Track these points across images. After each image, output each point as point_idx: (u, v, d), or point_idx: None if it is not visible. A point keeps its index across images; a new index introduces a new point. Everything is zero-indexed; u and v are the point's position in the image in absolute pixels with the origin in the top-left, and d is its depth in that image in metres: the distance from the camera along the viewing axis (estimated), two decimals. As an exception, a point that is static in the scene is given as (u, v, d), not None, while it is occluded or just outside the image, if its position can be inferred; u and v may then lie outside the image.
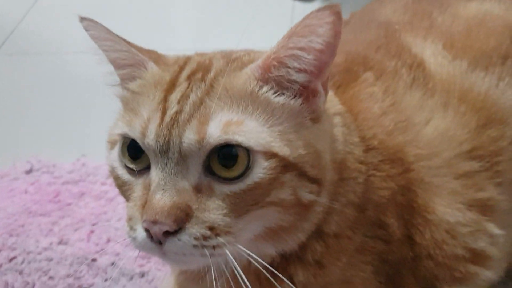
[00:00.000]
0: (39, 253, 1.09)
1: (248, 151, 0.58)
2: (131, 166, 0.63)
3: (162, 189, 0.58)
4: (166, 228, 0.57)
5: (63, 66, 1.67)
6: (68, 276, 1.04)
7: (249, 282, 0.61)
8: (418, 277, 0.75)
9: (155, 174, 0.59)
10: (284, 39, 0.61)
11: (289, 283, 0.66)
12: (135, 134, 0.61)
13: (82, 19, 0.66)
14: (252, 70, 0.62)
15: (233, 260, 0.60)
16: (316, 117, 0.65)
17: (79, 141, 1.41)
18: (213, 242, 0.58)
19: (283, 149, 0.59)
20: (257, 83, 0.62)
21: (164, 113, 0.60)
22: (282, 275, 0.66)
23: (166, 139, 0.58)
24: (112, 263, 1.06)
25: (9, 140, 1.45)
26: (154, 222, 0.57)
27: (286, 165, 0.60)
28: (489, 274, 0.78)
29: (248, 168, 0.58)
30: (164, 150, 0.59)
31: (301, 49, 0.60)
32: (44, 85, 1.62)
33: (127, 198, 0.64)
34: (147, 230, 0.58)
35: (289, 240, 0.67)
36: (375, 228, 0.72)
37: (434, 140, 0.76)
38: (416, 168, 0.75)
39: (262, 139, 0.59)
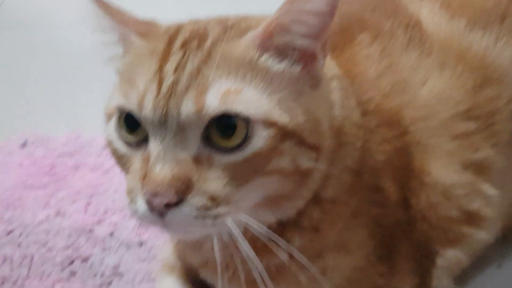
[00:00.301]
0: (37, 226, 1.09)
1: (247, 120, 0.58)
2: (129, 138, 0.62)
3: (161, 161, 0.57)
4: (167, 200, 0.56)
5: (54, 38, 1.65)
6: (67, 247, 1.05)
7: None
8: (413, 239, 0.76)
9: (154, 146, 0.58)
10: (286, 4, 0.59)
11: (285, 247, 0.66)
12: (132, 106, 0.60)
13: None
14: (251, 38, 0.61)
15: (235, 228, 0.60)
16: (315, 83, 0.64)
17: (72, 114, 1.40)
18: (214, 212, 0.58)
19: (282, 117, 0.59)
20: (257, 50, 0.60)
21: (160, 83, 0.58)
22: (279, 241, 0.66)
23: (164, 110, 0.57)
24: (110, 234, 1.06)
25: (1, 114, 1.44)
26: (155, 194, 0.56)
27: (285, 134, 0.59)
28: (483, 235, 0.79)
29: (247, 138, 0.58)
30: (162, 122, 0.58)
31: (306, 12, 0.59)
32: (36, 58, 1.60)
33: (126, 170, 0.63)
34: (148, 203, 0.58)
35: (289, 207, 0.67)
36: (371, 193, 0.72)
37: (430, 101, 0.76)
38: (413, 130, 0.74)
39: (261, 108, 0.58)
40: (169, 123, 0.57)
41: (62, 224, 1.09)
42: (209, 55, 0.60)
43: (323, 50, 0.63)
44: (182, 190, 0.57)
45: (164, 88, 0.58)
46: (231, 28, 0.63)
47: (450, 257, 0.79)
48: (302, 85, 0.62)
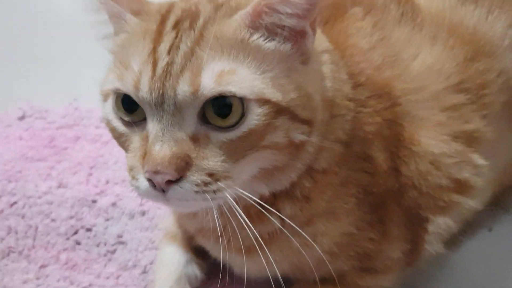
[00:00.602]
0: (39, 197, 1.11)
1: (242, 99, 0.59)
2: (127, 119, 0.63)
3: (160, 141, 0.59)
4: (168, 177, 0.59)
5: (49, 7, 1.63)
6: (70, 217, 1.07)
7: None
8: (403, 206, 0.79)
9: (152, 126, 0.60)
10: None
11: (278, 213, 0.69)
12: (128, 89, 0.61)
13: None
14: (242, 17, 0.62)
15: (232, 201, 0.62)
16: (305, 59, 0.65)
17: (69, 85, 1.39)
18: (213, 187, 0.60)
19: (275, 95, 0.60)
20: (247, 30, 0.61)
21: (155, 64, 0.60)
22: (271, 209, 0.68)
23: (161, 91, 0.59)
24: (113, 204, 1.09)
25: (-3, 87, 1.43)
26: (156, 172, 0.58)
27: (278, 110, 0.61)
28: (472, 203, 0.82)
29: (242, 116, 0.60)
30: (159, 103, 0.59)
31: None
32: (31, 29, 1.58)
33: (125, 149, 0.65)
34: (149, 180, 0.60)
35: (282, 179, 0.69)
36: (361, 162, 0.74)
37: (421, 74, 0.78)
38: (403, 102, 0.76)
39: (254, 87, 0.59)
40: (166, 104, 0.59)
41: (64, 195, 1.11)
42: (201, 36, 0.61)
43: (312, 27, 0.64)
44: (182, 167, 0.59)
45: (159, 70, 0.59)
46: (222, 7, 0.64)
47: (440, 224, 0.82)
48: (293, 62, 0.64)
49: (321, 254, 0.73)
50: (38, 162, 1.19)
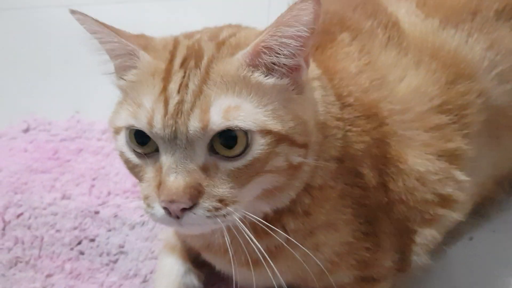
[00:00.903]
0: (44, 208, 1.14)
1: (246, 132, 0.64)
2: (140, 151, 0.68)
3: (174, 172, 0.64)
4: (182, 205, 0.64)
5: (51, 22, 1.65)
6: (74, 228, 1.11)
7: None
8: (392, 219, 0.83)
9: (166, 158, 0.65)
10: (272, 27, 0.65)
11: (281, 232, 0.74)
12: (142, 125, 0.65)
13: (73, 12, 0.68)
14: (243, 57, 0.66)
15: (239, 222, 0.67)
16: (300, 89, 0.70)
17: (71, 98, 1.44)
18: (223, 211, 0.65)
19: (276, 126, 0.65)
20: (248, 68, 0.66)
21: (166, 103, 0.64)
22: (276, 225, 0.74)
23: (173, 128, 0.63)
24: (114, 215, 1.13)
25: (1, 100, 1.47)
26: (172, 201, 0.63)
27: (279, 139, 0.66)
28: (455, 216, 0.87)
29: (247, 146, 0.65)
30: (172, 138, 0.64)
31: (289, 37, 0.65)
32: (34, 43, 1.61)
33: (139, 178, 0.69)
34: (165, 208, 0.65)
35: (282, 197, 0.74)
36: (353, 177, 0.79)
37: (407, 96, 0.82)
38: (390, 122, 0.81)
39: (257, 120, 0.64)
40: (179, 139, 0.64)
41: (68, 206, 1.15)
42: (207, 74, 0.65)
43: (306, 60, 0.69)
44: (195, 196, 0.64)
45: (171, 108, 0.64)
46: (223, 45, 0.69)
47: (426, 235, 0.87)
48: (290, 93, 0.69)
49: (321, 265, 0.78)
50: (42, 174, 1.22)
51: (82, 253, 1.08)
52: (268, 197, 0.72)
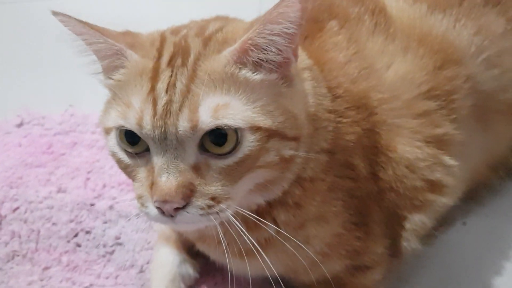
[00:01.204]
0: (40, 202, 1.15)
1: (236, 129, 0.64)
2: (131, 150, 0.68)
3: (166, 172, 0.64)
4: (176, 205, 0.64)
5: (44, 15, 1.64)
6: (70, 221, 1.12)
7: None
8: (383, 207, 0.84)
9: (157, 158, 0.65)
10: (259, 25, 0.64)
11: (271, 224, 0.75)
12: (132, 126, 0.65)
13: (55, 13, 0.68)
14: (230, 54, 0.66)
15: (231, 217, 0.68)
16: (289, 82, 0.70)
17: (64, 92, 1.43)
18: (216, 209, 0.66)
19: (266, 122, 0.65)
20: (236, 65, 0.66)
21: (155, 103, 0.64)
22: (267, 217, 0.75)
23: (163, 129, 0.63)
24: (110, 207, 1.13)
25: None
26: (165, 201, 0.64)
27: (270, 134, 0.66)
28: (445, 200, 0.88)
29: (238, 143, 0.65)
30: (162, 138, 0.64)
31: (276, 35, 0.65)
32: (25, 37, 1.61)
33: (133, 178, 0.69)
34: (159, 208, 0.65)
35: (275, 189, 0.74)
36: (344, 169, 0.79)
37: (395, 83, 0.83)
38: (379, 111, 0.81)
39: (247, 117, 0.64)
40: (169, 139, 0.64)
41: (64, 199, 1.15)
42: (194, 73, 0.65)
43: (294, 53, 0.69)
44: (187, 195, 0.64)
45: (160, 109, 0.64)
46: (209, 41, 0.68)
47: (416, 221, 0.87)
48: (279, 88, 0.69)
49: (313, 255, 0.78)
50: (37, 168, 1.23)
51: (78, 245, 1.09)
52: (261, 190, 0.73)
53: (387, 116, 0.82)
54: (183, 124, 0.63)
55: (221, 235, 0.70)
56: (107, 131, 0.70)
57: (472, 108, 0.87)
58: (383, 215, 0.85)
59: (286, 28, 0.64)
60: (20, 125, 1.34)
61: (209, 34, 0.69)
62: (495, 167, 1.04)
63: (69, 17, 0.68)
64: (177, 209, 0.65)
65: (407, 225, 0.87)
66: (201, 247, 0.89)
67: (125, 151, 0.68)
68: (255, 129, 0.65)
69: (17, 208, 1.15)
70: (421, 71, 0.83)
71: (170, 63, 0.66)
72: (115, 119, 0.67)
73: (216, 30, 0.70)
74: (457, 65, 0.84)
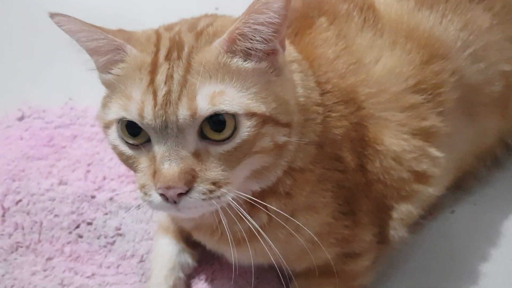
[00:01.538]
0: (42, 194, 1.17)
1: (233, 115, 0.67)
2: (132, 142, 0.70)
3: (168, 160, 0.67)
4: (179, 191, 0.67)
5: (43, 8, 1.63)
6: (72, 213, 1.14)
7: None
8: (371, 197, 0.87)
9: (158, 147, 0.68)
10: (244, 15, 0.68)
11: (265, 208, 0.78)
12: (133, 117, 0.68)
13: (53, 15, 0.70)
14: (220, 44, 0.69)
15: (233, 202, 0.71)
16: (279, 71, 0.73)
17: (64, 85, 1.44)
18: (217, 193, 0.69)
19: (260, 108, 0.69)
20: (227, 55, 0.69)
21: (155, 94, 0.67)
22: (260, 206, 0.77)
23: (164, 118, 0.66)
24: (110, 198, 1.16)
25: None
26: (168, 188, 0.66)
27: (264, 120, 0.69)
28: (431, 190, 0.91)
29: (235, 129, 0.68)
30: (163, 127, 0.67)
31: (260, 24, 0.68)
32: (24, 29, 1.61)
33: (134, 169, 0.72)
34: (162, 195, 0.68)
35: (270, 175, 0.78)
36: (333, 161, 0.83)
37: (382, 77, 0.85)
38: (367, 105, 0.84)
39: (242, 103, 0.68)
40: (169, 128, 0.67)
41: (65, 191, 1.18)
42: (189, 64, 0.68)
43: (281, 44, 0.72)
44: (189, 181, 0.67)
45: (160, 99, 0.67)
46: (201, 34, 0.71)
47: (403, 211, 0.91)
48: (269, 76, 0.72)
49: (304, 244, 0.81)
50: (39, 160, 1.24)
51: (80, 236, 1.12)
52: (257, 177, 0.76)
53: (374, 110, 0.84)
54: (183, 112, 0.66)
55: (217, 222, 0.73)
56: (107, 125, 0.73)
57: (459, 101, 0.89)
58: (371, 204, 0.88)
59: (270, 18, 0.67)
60: (21, 118, 1.35)
61: (201, 29, 0.73)
62: (482, 157, 1.07)
63: (69, 16, 0.70)
64: (180, 194, 0.67)
65: (394, 214, 0.91)
66: (196, 236, 0.92)
67: (127, 143, 0.71)
68: (251, 115, 0.68)
69: (20, 200, 1.17)
70: (409, 66, 0.85)
71: (167, 56, 0.69)
72: (117, 112, 0.69)
73: (207, 25, 0.73)
74: (444, 59, 0.87)
